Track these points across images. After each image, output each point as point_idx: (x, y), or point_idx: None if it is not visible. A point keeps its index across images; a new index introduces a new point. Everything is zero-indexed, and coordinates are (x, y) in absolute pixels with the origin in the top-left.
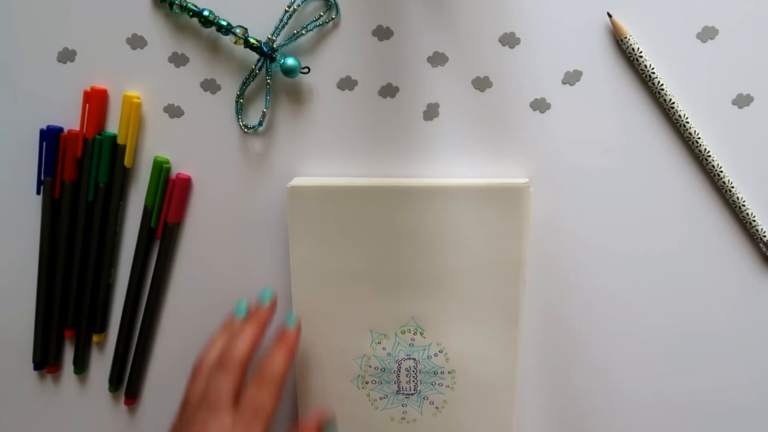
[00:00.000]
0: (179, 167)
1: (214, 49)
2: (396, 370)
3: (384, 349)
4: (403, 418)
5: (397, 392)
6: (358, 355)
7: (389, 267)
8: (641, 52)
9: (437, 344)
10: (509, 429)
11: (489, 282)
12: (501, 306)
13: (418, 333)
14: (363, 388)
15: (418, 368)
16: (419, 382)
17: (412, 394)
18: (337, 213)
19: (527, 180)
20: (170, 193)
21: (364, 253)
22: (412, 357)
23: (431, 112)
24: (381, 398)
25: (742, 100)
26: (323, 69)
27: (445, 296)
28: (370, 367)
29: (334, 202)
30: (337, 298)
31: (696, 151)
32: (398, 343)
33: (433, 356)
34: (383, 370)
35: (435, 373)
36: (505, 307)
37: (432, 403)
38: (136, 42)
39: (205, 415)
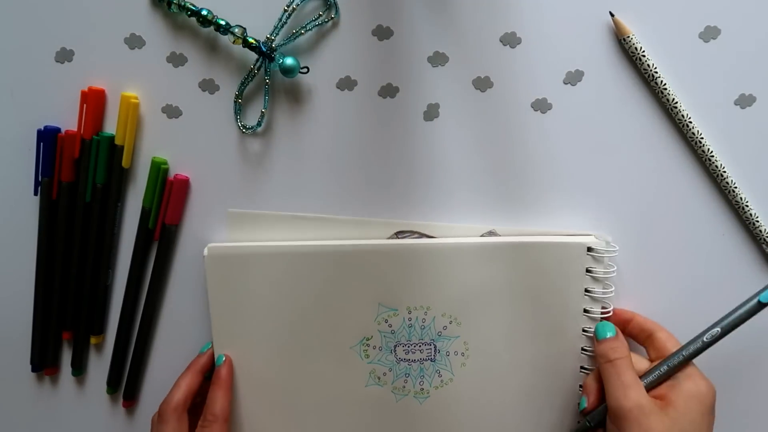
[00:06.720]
0: (177, 168)
1: (212, 48)
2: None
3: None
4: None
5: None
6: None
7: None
8: (644, 51)
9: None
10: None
11: None
12: None
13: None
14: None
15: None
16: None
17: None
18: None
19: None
20: (168, 194)
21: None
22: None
23: (431, 112)
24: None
25: (745, 101)
26: (323, 69)
27: None
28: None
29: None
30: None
31: (699, 151)
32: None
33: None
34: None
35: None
36: None
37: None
38: (134, 42)
39: None
